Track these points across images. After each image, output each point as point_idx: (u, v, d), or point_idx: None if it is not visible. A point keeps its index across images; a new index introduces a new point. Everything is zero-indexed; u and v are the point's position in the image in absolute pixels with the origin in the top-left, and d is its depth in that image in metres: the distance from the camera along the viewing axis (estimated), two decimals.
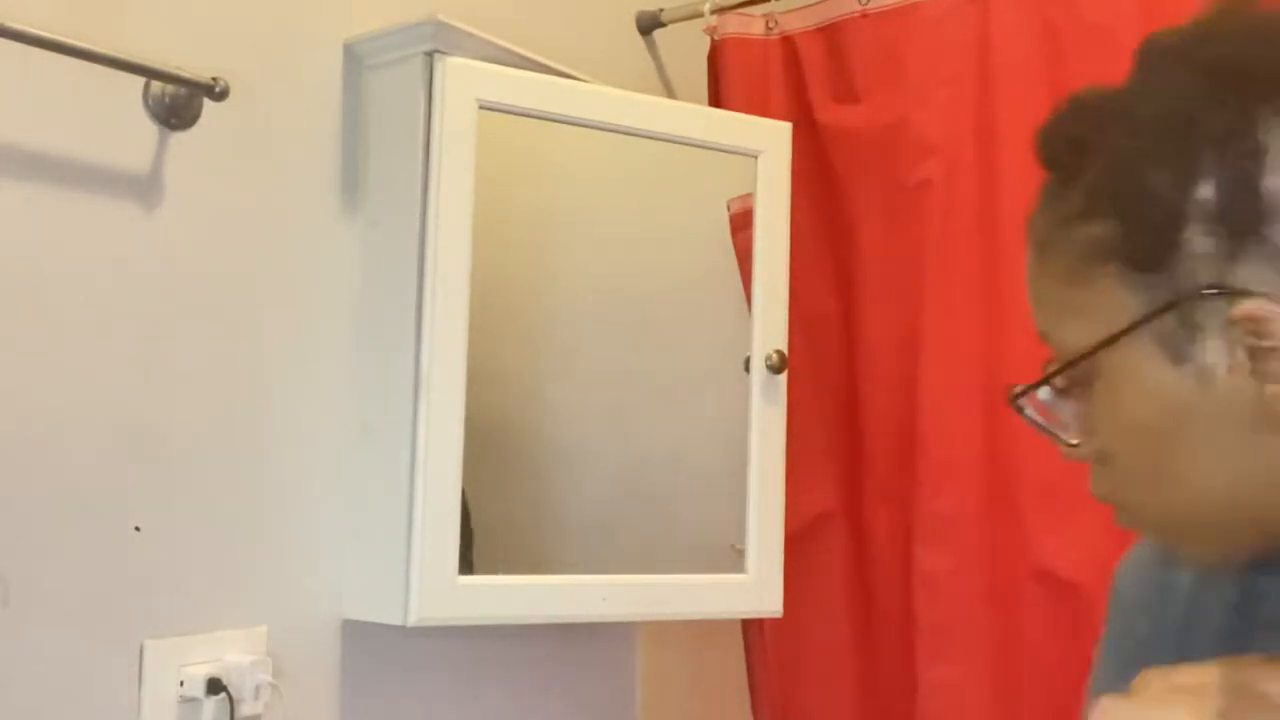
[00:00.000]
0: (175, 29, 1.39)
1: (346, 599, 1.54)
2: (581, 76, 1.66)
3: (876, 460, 1.90)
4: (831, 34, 1.95)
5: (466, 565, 1.54)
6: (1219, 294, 0.65)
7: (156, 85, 1.36)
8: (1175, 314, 0.66)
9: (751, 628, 2.01)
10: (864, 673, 1.92)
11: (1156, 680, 0.60)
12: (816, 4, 1.96)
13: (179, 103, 1.38)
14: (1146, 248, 0.67)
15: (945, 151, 1.82)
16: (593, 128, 1.63)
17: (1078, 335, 0.71)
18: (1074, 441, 0.74)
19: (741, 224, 1.80)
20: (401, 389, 1.48)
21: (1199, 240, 0.65)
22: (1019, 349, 1.63)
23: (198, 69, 1.36)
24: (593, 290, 1.78)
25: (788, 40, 1.98)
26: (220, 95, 1.37)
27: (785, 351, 1.72)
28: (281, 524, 1.49)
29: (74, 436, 1.30)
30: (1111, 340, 0.69)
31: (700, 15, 1.96)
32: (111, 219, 1.34)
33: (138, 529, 1.35)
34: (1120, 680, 0.65)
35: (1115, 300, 0.68)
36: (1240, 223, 0.65)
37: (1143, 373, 0.68)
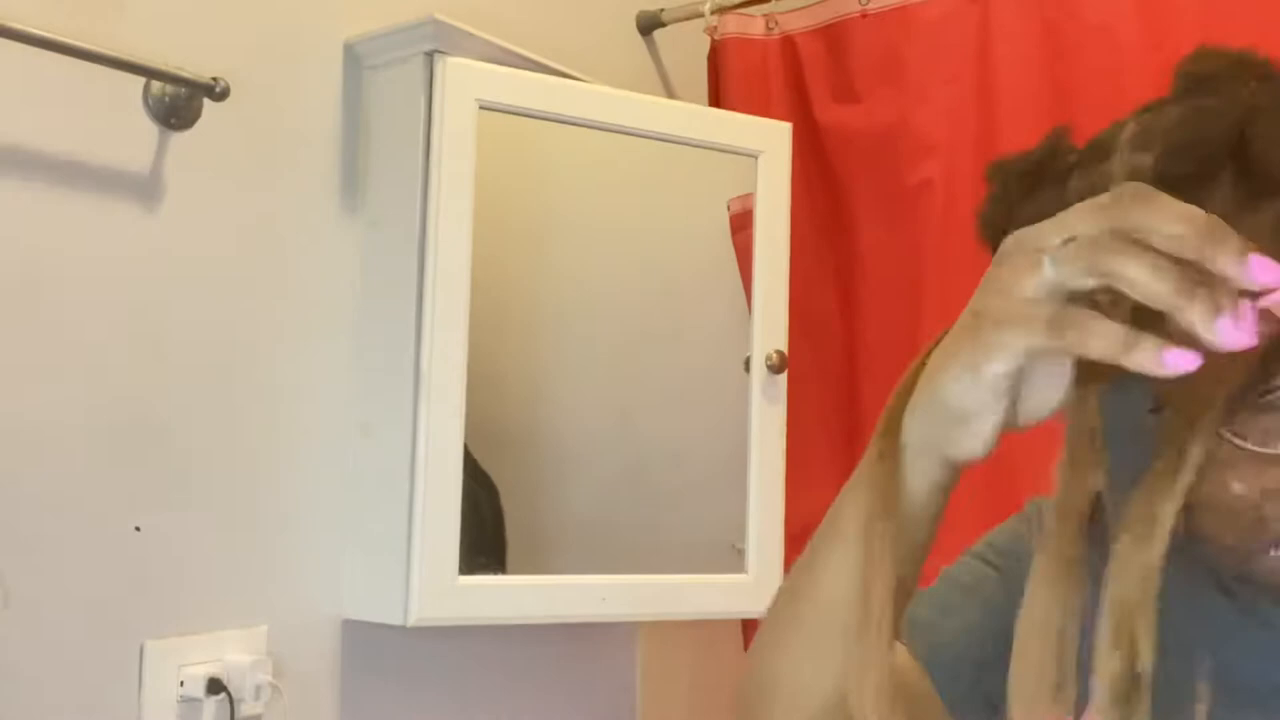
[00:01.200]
0: (175, 29, 1.39)
1: (346, 599, 1.54)
2: (581, 76, 1.66)
3: None
4: (831, 34, 1.95)
5: (500, 557, 1.55)
6: None
7: (156, 85, 1.36)
8: None
9: (751, 628, 2.01)
10: None
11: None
12: (816, 4, 1.96)
13: (179, 103, 1.38)
14: None
15: (945, 151, 1.82)
16: (593, 128, 1.63)
17: None
18: None
19: (741, 224, 1.80)
20: (401, 389, 1.49)
21: None
22: None
23: (198, 69, 1.36)
24: (593, 290, 1.78)
25: (788, 40, 1.99)
26: (220, 95, 1.37)
27: (785, 351, 1.72)
28: (281, 524, 1.49)
29: (74, 436, 1.30)
30: None
31: (700, 15, 1.96)
32: (111, 219, 1.34)
33: (138, 529, 1.35)
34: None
35: None
36: None
37: None
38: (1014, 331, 0.54)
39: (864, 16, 1.91)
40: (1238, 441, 0.63)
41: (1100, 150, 0.70)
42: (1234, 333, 0.49)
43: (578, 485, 1.76)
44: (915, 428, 0.61)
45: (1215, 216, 0.50)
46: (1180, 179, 0.64)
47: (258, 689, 1.40)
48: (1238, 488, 0.63)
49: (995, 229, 0.73)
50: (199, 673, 1.37)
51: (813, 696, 0.68)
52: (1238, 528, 0.64)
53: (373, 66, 1.57)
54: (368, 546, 1.52)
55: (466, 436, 1.50)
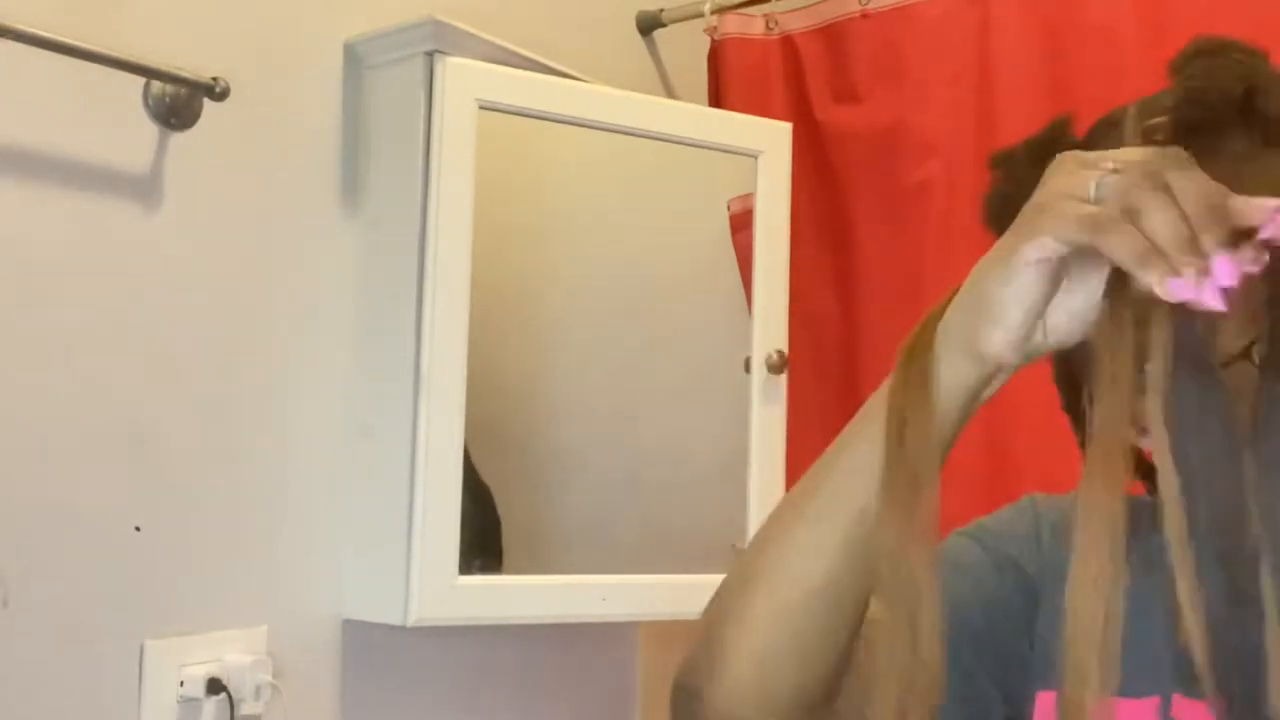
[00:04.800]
0: (175, 29, 1.39)
1: (346, 599, 1.53)
2: (581, 76, 1.66)
3: None
4: (831, 34, 1.95)
5: (493, 564, 1.54)
6: None
7: (156, 85, 1.36)
8: None
9: None
10: None
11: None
12: (816, 4, 1.96)
13: (179, 103, 1.38)
14: None
15: (945, 151, 1.82)
16: (593, 128, 1.63)
17: None
18: None
19: (741, 224, 1.80)
20: (401, 389, 1.48)
21: None
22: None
23: (198, 69, 1.36)
24: (592, 290, 1.78)
25: (788, 40, 1.98)
26: (220, 95, 1.37)
27: (785, 351, 1.72)
28: (281, 524, 1.49)
29: (74, 436, 1.30)
30: None
31: (700, 15, 1.96)
32: (111, 219, 1.34)
33: (138, 529, 1.35)
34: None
35: None
36: None
37: None
38: (1052, 221, 0.58)
39: (864, 16, 1.91)
40: None
41: (1107, 124, 0.73)
42: (1187, 291, 0.55)
43: (578, 485, 1.76)
44: (950, 323, 0.63)
45: (1228, 198, 0.56)
46: (1195, 125, 0.70)
47: (258, 689, 1.40)
48: None
49: (1001, 210, 0.75)
50: (199, 673, 1.37)
51: (799, 583, 0.67)
52: None
53: (373, 66, 1.57)
54: (368, 546, 1.52)
55: (466, 441, 1.50)
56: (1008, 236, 0.60)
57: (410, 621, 1.46)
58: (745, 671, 0.68)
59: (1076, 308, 0.60)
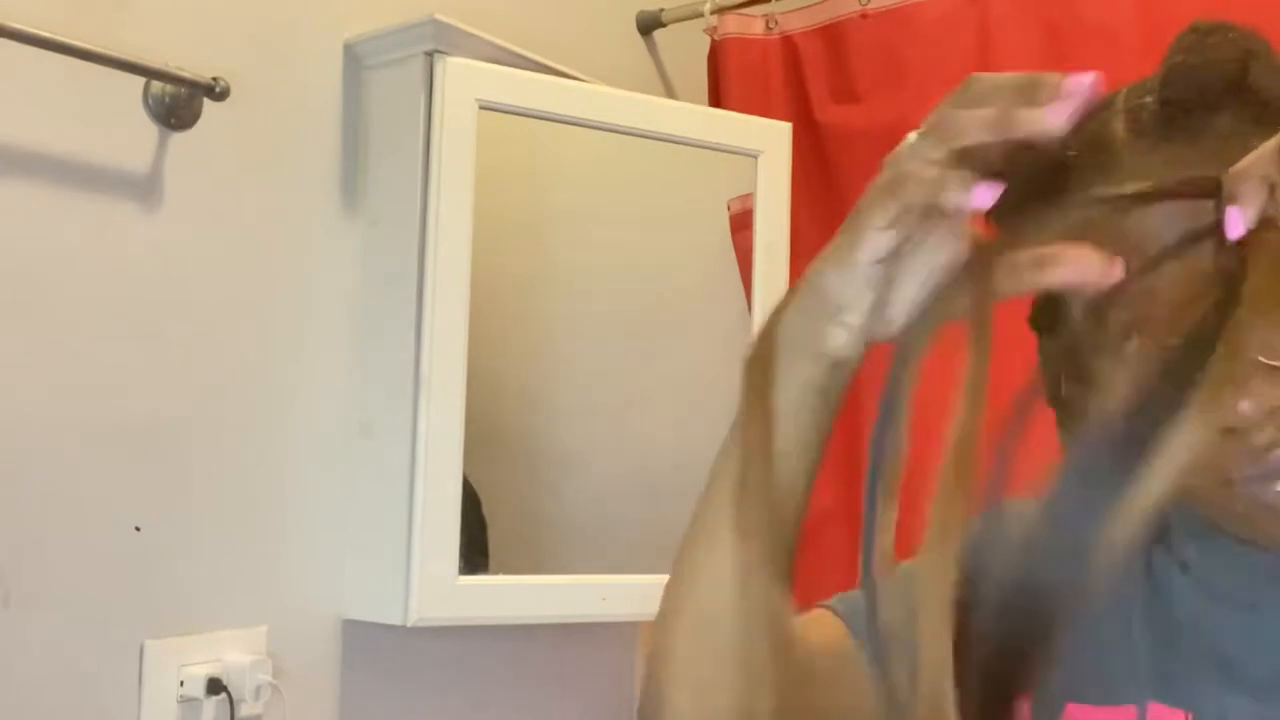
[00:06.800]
0: (175, 29, 1.39)
1: (346, 599, 1.54)
2: (581, 76, 1.66)
3: None
4: (831, 34, 1.95)
5: (481, 565, 1.54)
6: None
7: (156, 85, 1.36)
8: None
9: None
10: None
11: None
12: (816, 4, 1.96)
13: (179, 103, 1.38)
14: None
15: None
16: (593, 128, 1.63)
17: None
18: None
19: (741, 224, 1.80)
20: (401, 389, 1.48)
21: None
22: (1017, 348, 1.63)
23: (198, 69, 1.36)
24: (592, 290, 1.78)
25: (788, 40, 1.98)
26: (220, 95, 1.37)
27: None
28: (281, 524, 1.49)
29: (74, 436, 1.30)
30: None
31: (700, 15, 1.96)
32: (111, 219, 1.34)
33: (138, 529, 1.35)
34: None
35: None
36: None
37: None
38: (870, 208, 0.58)
39: (864, 16, 1.91)
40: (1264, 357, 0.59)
41: (1098, 108, 0.70)
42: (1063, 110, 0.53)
43: (578, 485, 1.76)
44: (789, 325, 0.64)
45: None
46: (1182, 102, 0.67)
47: (258, 689, 1.40)
48: (1245, 407, 0.60)
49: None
50: (199, 673, 1.37)
51: (707, 611, 0.67)
52: (1232, 456, 0.61)
53: (373, 66, 1.57)
54: (368, 546, 1.52)
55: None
56: (840, 235, 0.61)
57: (410, 621, 1.46)
58: (683, 703, 0.68)
59: (914, 296, 0.60)
